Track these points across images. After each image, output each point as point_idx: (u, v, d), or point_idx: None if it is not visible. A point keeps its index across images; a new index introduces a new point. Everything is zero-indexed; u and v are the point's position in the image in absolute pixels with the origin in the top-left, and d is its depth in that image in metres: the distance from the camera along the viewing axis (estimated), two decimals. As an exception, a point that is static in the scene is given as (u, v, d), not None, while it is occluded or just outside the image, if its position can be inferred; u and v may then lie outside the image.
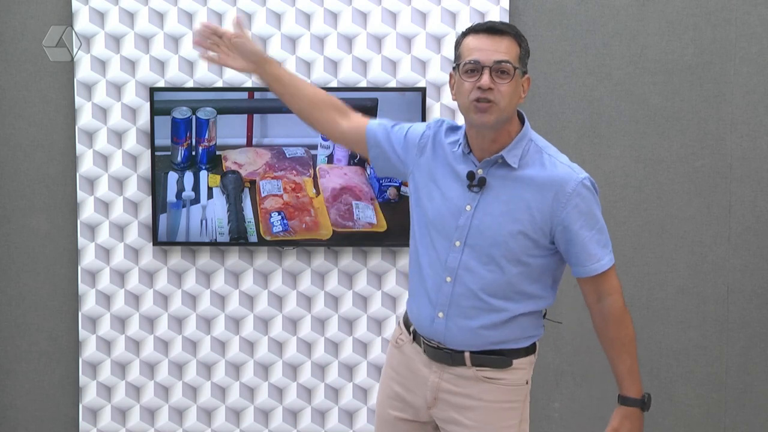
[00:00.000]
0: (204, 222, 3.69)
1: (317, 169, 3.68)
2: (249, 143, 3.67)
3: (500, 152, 2.30)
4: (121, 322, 3.79)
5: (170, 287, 3.77)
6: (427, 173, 2.42)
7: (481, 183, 2.32)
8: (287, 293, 3.77)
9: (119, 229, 3.75)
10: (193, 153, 3.67)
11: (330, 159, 3.67)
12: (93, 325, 3.79)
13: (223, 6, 3.69)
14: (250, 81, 3.67)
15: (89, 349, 3.79)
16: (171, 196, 3.68)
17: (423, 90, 3.62)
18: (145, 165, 3.72)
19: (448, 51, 3.65)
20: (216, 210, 3.68)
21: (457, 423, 2.39)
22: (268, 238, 3.67)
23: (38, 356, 3.85)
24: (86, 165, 3.73)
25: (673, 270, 3.75)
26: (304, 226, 3.67)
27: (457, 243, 2.34)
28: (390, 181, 3.65)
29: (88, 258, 3.76)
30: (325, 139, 3.64)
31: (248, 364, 3.79)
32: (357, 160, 3.66)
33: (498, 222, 2.30)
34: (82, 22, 3.69)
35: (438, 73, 3.68)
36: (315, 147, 3.67)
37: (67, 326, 3.83)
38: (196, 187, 3.68)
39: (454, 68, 2.32)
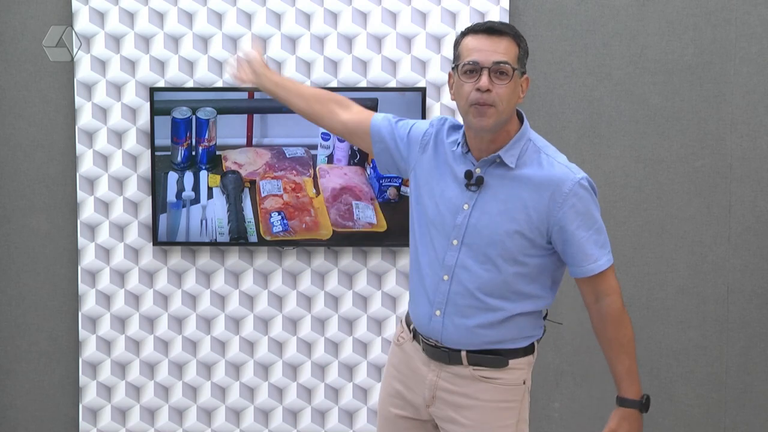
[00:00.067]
0: (204, 222, 3.69)
1: (317, 169, 3.68)
2: (249, 143, 3.67)
3: (498, 152, 2.31)
4: (121, 322, 3.79)
5: (170, 287, 3.77)
6: (428, 171, 2.43)
7: (479, 182, 2.32)
8: (287, 293, 3.77)
9: (119, 229, 3.75)
10: (193, 153, 3.67)
11: (330, 159, 3.67)
12: (93, 325, 3.79)
13: (224, 6, 3.69)
14: (250, 81, 3.67)
15: (89, 349, 3.80)
16: (171, 196, 3.68)
17: (423, 90, 3.62)
18: (145, 165, 3.72)
19: (448, 51, 3.65)
20: (216, 210, 3.68)
21: (455, 422, 2.40)
22: (268, 238, 3.67)
23: (38, 356, 3.85)
24: (86, 165, 3.73)
25: (673, 270, 3.75)
26: (304, 226, 3.67)
27: (455, 241, 2.34)
28: (390, 181, 3.65)
29: (88, 258, 3.76)
30: (325, 139, 3.64)
31: (248, 364, 3.79)
32: (357, 160, 3.66)
33: (495, 221, 2.30)
34: (82, 22, 3.69)
35: (438, 73, 3.68)
36: (315, 147, 3.67)
37: (67, 326, 3.83)
38: (196, 187, 3.68)
39: (453, 68, 2.32)
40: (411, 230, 2.48)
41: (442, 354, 2.39)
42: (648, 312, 3.75)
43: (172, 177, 3.68)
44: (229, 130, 3.66)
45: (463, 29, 2.38)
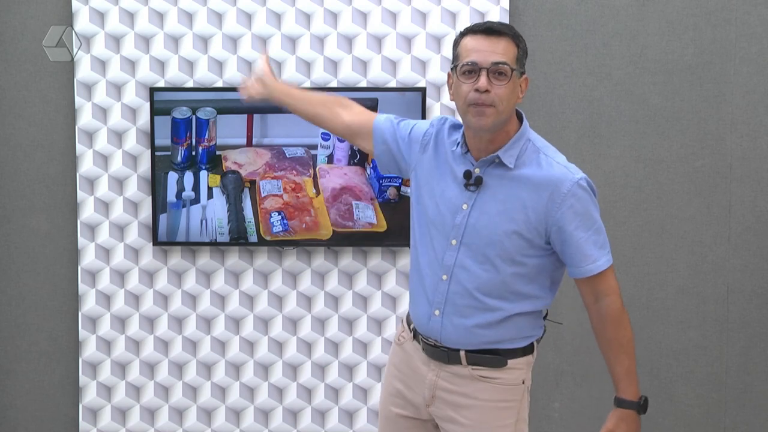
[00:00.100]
0: (204, 222, 3.69)
1: (317, 169, 3.68)
2: (249, 143, 3.67)
3: (497, 152, 2.31)
4: (121, 322, 3.79)
5: (170, 287, 3.77)
6: (428, 171, 2.43)
7: (478, 182, 2.32)
8: (287, 293, 3.77)
9: (119, 229, 3.76)
10: (193, 153, 3.68)
11: (330, 159, 3.67)
12: (93, 325, 3.79)
13: (224, 6, 3.69)
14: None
15: (89, 349, 3.80)
16: (171, 196, 3.68)
17: (423, 90, 3.62)
18: (145, 165, 3.72)
19: (448, 51, 3.65)
20: (216, 210, 3.69)
21: (454, 421, 2.40)
22: (268, 238, 3.68)
23: (38, 356, 3.85)
24: (86, 165, 3.74)
25: (673, 270, 3.75)
26: (304, 226, 3.67)
27: (454, 241, 2.34)
28: (390, 181, 3.65)
29: (88, 258, 3.77)
30: (325, 139, 3.64)
31: (248, 364, 3.79)
32: (357, 160, 3.66)
33: (494, 221, 2.30)
34: (82, 22, 3.69)
35: (438, 73, 3.67)
36: (315, 147, 3.67)
37: (67, 326, 3.83)
38: (196, 187, 3.68)
39: (451, 69, 2.32)
40: (411, 230, 2.49)
41: (442, 354, 2.40)
42: (648, 312, 3.75)
43: (172, 177, 3.68)
44: (229, 130, 3.66)
45: (462, 29, 2.38)
